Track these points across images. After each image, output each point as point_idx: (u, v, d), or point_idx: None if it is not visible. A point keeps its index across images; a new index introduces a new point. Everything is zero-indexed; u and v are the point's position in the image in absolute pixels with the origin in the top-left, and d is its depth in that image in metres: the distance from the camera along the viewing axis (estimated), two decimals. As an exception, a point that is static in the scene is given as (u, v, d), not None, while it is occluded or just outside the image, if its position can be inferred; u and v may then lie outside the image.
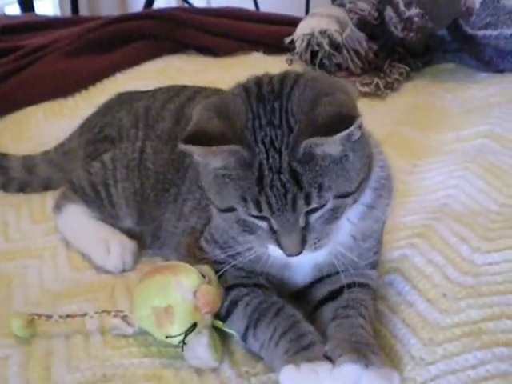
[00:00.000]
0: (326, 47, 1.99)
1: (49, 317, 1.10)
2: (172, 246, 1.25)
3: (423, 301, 1.07)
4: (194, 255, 1.14)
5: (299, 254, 0.96)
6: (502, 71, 1.96)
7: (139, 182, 1.32)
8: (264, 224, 0.95)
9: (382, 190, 1.06)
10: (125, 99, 1.52)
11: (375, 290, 1.10)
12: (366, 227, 1.06)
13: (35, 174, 1.61)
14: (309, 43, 2.00)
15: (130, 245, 1.32)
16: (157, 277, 1.05)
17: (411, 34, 1.95)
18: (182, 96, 1.40)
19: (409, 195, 1.41)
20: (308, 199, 0.91)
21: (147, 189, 1.31)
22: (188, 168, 1.25)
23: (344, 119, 0.89)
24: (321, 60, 2.02)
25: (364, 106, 1.86)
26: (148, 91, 1.53)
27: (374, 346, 0.95)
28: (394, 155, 1.58)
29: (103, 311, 1.10)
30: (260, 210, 0.93)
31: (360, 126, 0.93)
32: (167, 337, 1.01)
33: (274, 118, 0.93)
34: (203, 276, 1.04)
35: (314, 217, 0.94)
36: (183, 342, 1.00)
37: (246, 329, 1.02)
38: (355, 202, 0.99)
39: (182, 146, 0.93)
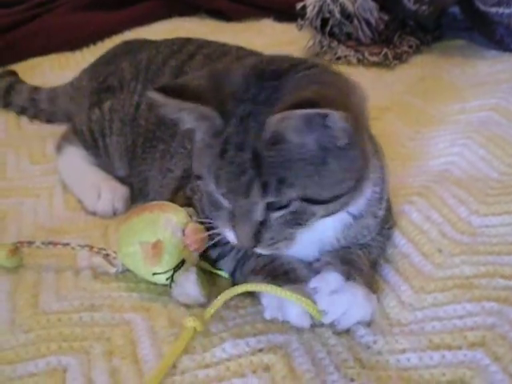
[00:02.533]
0: (337, 15, 1.96)
1: (31, 243, 1.10)
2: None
3: (418, 254, 1.07)
4: (179, 199, 1.10)
5: (252, 248, 0.89)
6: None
7: (131, 139, 1.32)
8: (226, 204, 0.89)
9: (373, 202, 0.99)
10: (130, 49, 1.52)
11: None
12: (353, 234, 0.99)
13: (57, 105, 1.66)
14: (320, 10, 1.97)
15: (121, 191, 1.31)
16: (145, 214, 1.03)
17: (423, 7, 1.92)
18: (184, 52, 1.37)
19: (410, 160, 1.40)
20: (265, 188, 0.83)
21: (137, 146, 1.30)
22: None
23: (311, 102, 0.79)
24: (331, 28, 2.00)
25: (371, 75, 1.88)
26: (153, 42, 1.52)
27: (363, 272, 0.95)
28: (397, 122, 1.58)
29: (86, 245, 1.09)
30: (218, 186, 0.87)
31: (348, 132, 0.84)
32: (154, 274, 0.99)
33: (260, 95, 0.86)
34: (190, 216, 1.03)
35: (274, 215, 0.87)
36: (171, 279, 0.99)
37: (235, 269, 1.02)
38: (329, 214, 0.90)
39: (149, 93, 0.87)
